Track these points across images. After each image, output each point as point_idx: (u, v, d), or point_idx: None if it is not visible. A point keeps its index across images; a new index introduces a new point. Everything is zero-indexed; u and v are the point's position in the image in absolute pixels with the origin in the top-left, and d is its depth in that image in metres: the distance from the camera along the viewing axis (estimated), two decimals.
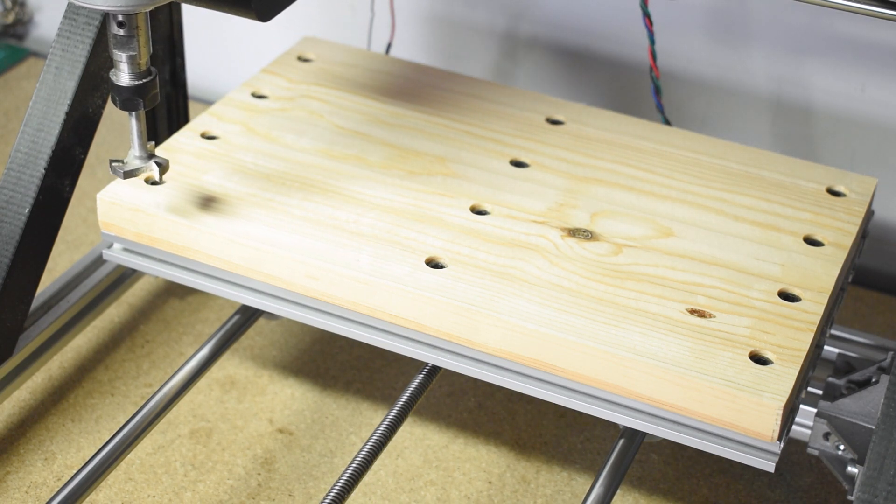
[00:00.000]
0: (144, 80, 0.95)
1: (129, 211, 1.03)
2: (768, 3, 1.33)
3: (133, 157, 0.99)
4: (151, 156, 1.00)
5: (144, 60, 0.95)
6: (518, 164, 1.09)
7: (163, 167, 1.00)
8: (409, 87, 1.19)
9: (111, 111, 1.55)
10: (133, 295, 1.31)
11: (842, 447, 1.03)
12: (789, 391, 0.88)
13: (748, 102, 1.40)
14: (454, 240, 1.00)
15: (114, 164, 0.99)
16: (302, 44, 1.25)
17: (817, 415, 1.03)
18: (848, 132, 1.37)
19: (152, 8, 0.91)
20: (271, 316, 1.08)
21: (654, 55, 1.21)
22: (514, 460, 1.15)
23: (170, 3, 1.21)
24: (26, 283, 1.09)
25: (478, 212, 1.03)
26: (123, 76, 0.95)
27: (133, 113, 0.97)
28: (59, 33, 1.09)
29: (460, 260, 0.98)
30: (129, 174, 0.99)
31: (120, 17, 0.92)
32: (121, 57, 0.94)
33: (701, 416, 0.90)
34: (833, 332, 1.17)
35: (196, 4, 0.96)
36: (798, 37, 1.34)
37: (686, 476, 1.14)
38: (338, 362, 1.24)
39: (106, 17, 0.93)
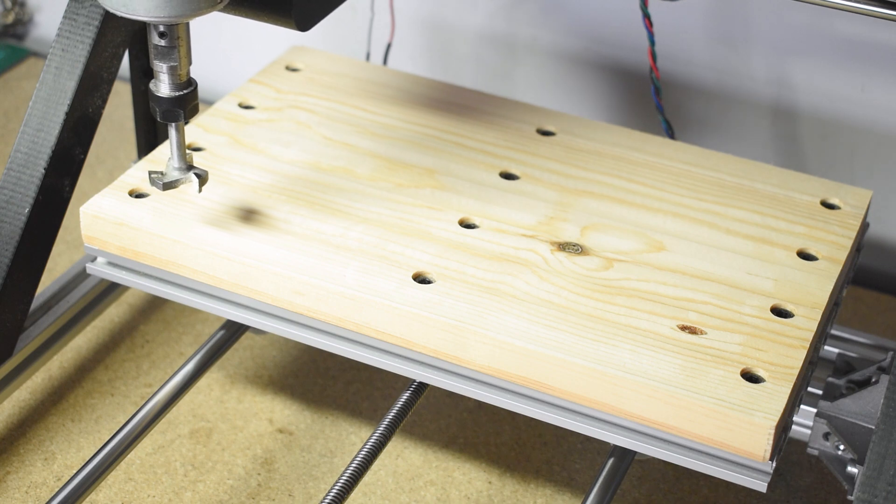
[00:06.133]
0: (185, 92, 0.94)
1: (112, 225, 1.01)
2: (768, 4, 1.33)
3: (172, 169, 0.98)
4: (190, 167, 0.98)
5: (185, 71, 0.93)
6: (508, 176, 1.08)
7: (202, 178, 0.98)
8: (399, 97, 1.17)
9: (111, 111, 1.55)
10: (133, 295, 1.31)
11: (842, 447, 1.02)
12: (781, 410, 0.87)
13: (748, 103, 1.39)
14: (442, 254, 0.99)
15: (153, 175, 0.97)
16: (290, 53, 1.23)
17: (817, 415, 1.02)
18: (847, 132, 1.36)
19: (194, 18, 0.89)
20: (257, 331, 1.07)
21: (654, 56, 1.20)
22: (514, 460, 1.15)
23: None
24: (26, 283, 1.09)
25: (466, 225, 1.02)
26: (164, 87, 0.93)
27: (173, 124, 0.95)
28: (59, 33, 1.09)
29: (448, 275, 0.97)
30: (168, 186, 0.97)
31: (161, 28, 0.91)
32: (161, 68, 0.92)
33: (692, 434, 0.89)
34: (833, 332, 1.16)
35: (236, 14, 0.94)
36: (798, 37, 1.34)
37: (686, 476, 1.14)
38: (338, 362, 1.24)
39: (147, 27, 0.91)
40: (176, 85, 0.93)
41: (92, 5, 1.08)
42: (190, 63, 0.93)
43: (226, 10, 0.93)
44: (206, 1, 0.88)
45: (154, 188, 0.98)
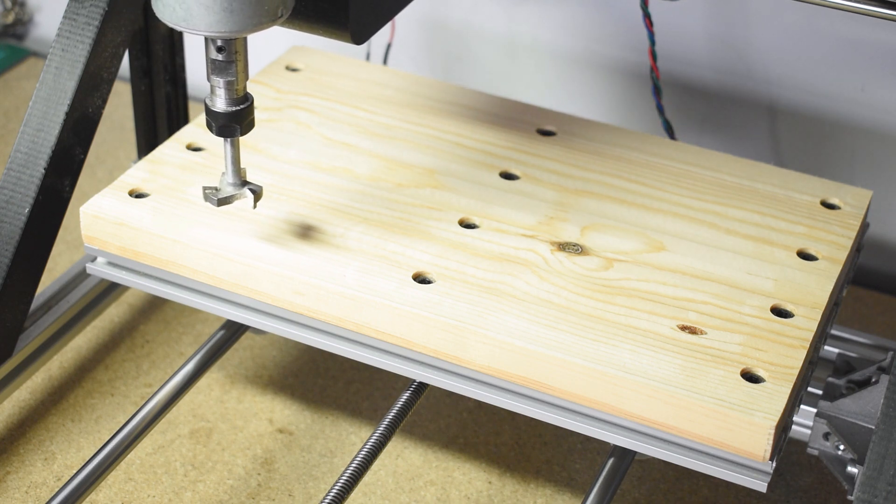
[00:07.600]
0: (241, 107, 0.92)
1: (112, 225, 1.01)
2: (768, 3, 1.33)
3: (226, 184, 0.96)
4: (245, 182, 0.97)
5: (242, 86, 0.91)
6: (508, 176, 1.08)
7: (257, 194, 0.96)
8: (399, 97, 1.17)
9: (111, 111, 1.55)
10: (133, 295, 1.31)
11: (841, 447, 1.02)
12: (781, 410, 0.87)
13: (748, 103, 1.39)
14: (442, 254, 0.99)
15: (207, 191, 0.96)
16: (290, 53, 1.23)
17: (817, 415, 1.02)
18: (847, 132, 1.36)
19: (254, 33, 0.87)
20: (257, 331, 1.07)
21: (654, 56, 1.20)
22: (514, 460, 1.15)
23: None
24: (26, 283, 1.09)
25: (466, 225, 1.02)
26: (220, 102, 0.91)
27: (228, 139, 0.94)
28: (59, 33, 1.09)
29: (448, 275, 0.97)
30: (223, 201, 0.96)
31: (219, 43, 0.89)
32: (218, 83, 0.91)
33: (692, 434, 0.89)
34: (833, 332, 1.16)
35: (291, 27, 0.93)
36: (798, 37, 1.33)
37: (686, 476, 1.14)
38: (338, 362, 1.24)
39: (205, 41, 0.89)
40: (233, 100, 0.91)
41: (92, 5, 1.08)
42: (247, 78, 0.91)
43: (283, 24, 0.92)
44: (267, 16, 0.86)
45: (208, 202, 0.96)
